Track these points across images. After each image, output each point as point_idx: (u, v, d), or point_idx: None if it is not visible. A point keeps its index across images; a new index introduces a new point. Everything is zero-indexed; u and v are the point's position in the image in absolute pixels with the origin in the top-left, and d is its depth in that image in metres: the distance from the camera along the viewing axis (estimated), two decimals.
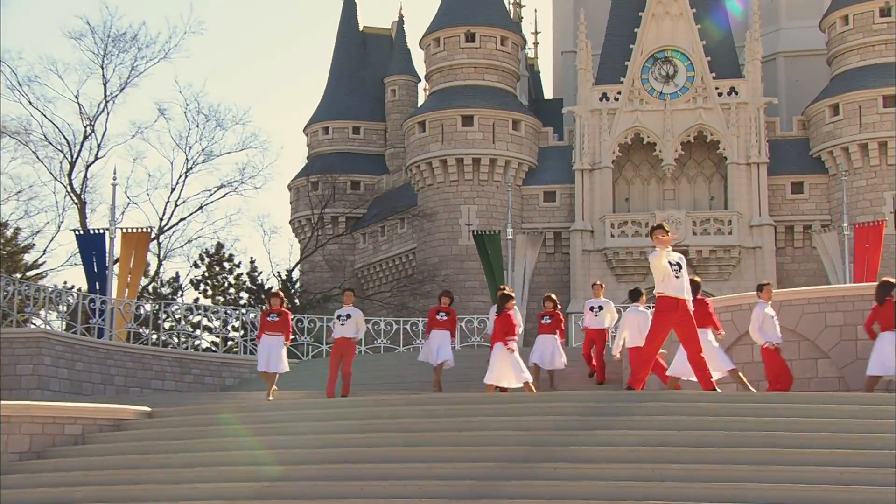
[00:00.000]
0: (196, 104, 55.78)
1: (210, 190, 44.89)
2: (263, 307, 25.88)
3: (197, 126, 47.07)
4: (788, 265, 40.01)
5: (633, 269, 39.27)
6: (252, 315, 26.05)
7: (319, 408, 10.76)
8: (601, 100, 40.49)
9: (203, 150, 44.77)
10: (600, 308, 16.06)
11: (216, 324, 29.44)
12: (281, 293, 14.93)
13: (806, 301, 14.47)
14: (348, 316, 15.03)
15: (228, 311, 26.60)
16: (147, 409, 11.92)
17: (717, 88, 40.02)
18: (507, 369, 12.83)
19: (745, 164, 39.62)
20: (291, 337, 15.22)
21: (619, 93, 40.34)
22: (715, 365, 11.22)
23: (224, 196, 44.76)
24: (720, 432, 9.04)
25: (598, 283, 16.62)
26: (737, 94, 40.02)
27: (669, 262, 10.91)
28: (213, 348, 33.92)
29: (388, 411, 10.22)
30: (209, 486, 9.18)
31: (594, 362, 15.81)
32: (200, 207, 43.97)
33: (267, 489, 8.88)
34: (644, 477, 8.36)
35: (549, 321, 15.48)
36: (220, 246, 43.81)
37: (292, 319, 25.95)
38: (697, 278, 12.30)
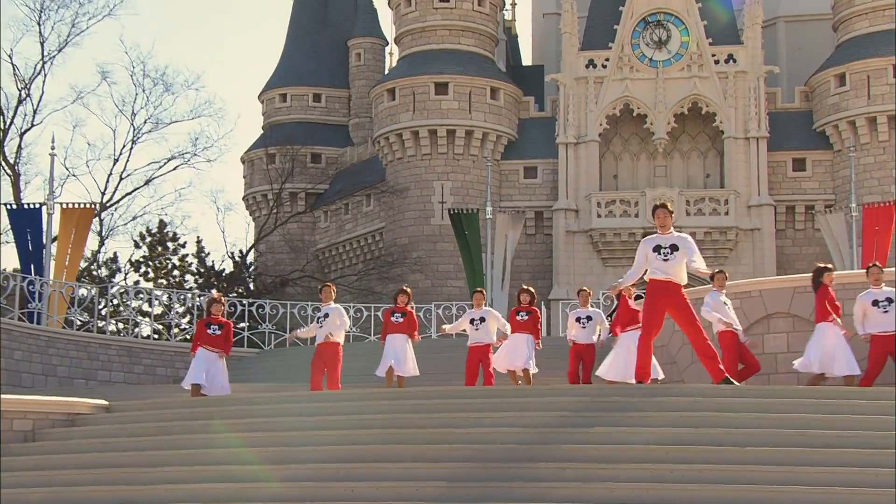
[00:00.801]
0: (142, 67, 55.31)
1: (158, 162, 44.50)
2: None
3: (143, 91, 46.67)
4: (789, 249, 40.28)
5: (621, 253, 39.30)
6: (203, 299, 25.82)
7: (304, 402, 10.67)
8: (587, 67, 40.52)
9: (150, 118, 44.41)
10: (589, 319, 15.03)
11: (159, 310, 29.19)
12: (223, 299, 14.13)
13: None
14: (326, 315, 14.12)
15: (184, 297, 26.36)
16: (104, 402, 11.77)
17: (713, 55, 40.15)
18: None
19: (743, 139, 39.81)
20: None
21: (607, 59, 40.36)
22: (840, 364, 11.82)
23: (174, 169, 44.52)
24: (741, 430, 9.07)
25: (586, 289, 15.48)
26: (735, 61, 40.18)
27: (659, 246, 11.00)
28: (157, 336, 33.64)
29: (377, 406, 10.16)
30: (178, 486, 9.08)
31: (581, 382, 14.60)
32: (148, 181, 43.65)
33: (245, 490, 8.79)
34: (662, 478, 8.36)
35: (525, 318, 14.62)
36: (162, 224, 43.50)
37: (251, 307, 26.04)
38: (829, 265, 12.66)
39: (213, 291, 13.96)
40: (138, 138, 43.81)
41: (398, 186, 41.17)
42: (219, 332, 13.44)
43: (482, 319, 14.73)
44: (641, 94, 40.10)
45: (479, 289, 15.53)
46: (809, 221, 40.21)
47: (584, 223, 39.72)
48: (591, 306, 15.30)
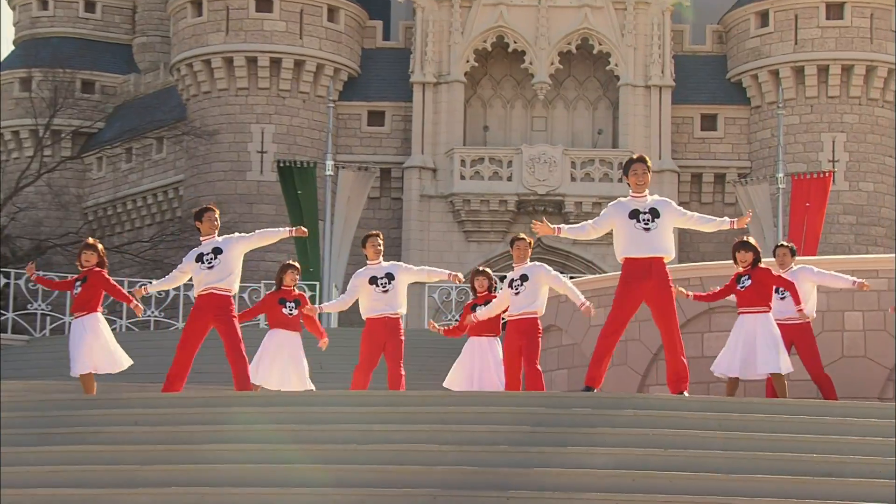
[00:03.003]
0: None
1: None
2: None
3: None
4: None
5: (489, 225, 39.81)
6: None
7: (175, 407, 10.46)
8: None
9: None
10: (524, 279, 12.61)
11: None
12: (98, 244, 13.04)
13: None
14: (217, 252, 12.20)
15: None
16: None
17: None
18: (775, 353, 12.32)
19: (642, 87, 40.69)
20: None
21: None
22: None
23: None
24: (721, 453, 9.29)
25: (523, 236, 12.86)
26: None
27: (637, 211, 11.22)
28: None
29: (267, 415, 10.09)
30: None
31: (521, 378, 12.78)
32: None
33: None
34: None
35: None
36: None
37: (17, 280, 25.30)
38: None
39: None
40: None
41: (203, 129, 40.56)
42: (81, 290, 12.68)
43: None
44: (519, 24, 40.50)
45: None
46: (719, 193, 41.47)
47: (444, 186, 39.94)
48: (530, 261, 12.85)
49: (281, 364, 13.32)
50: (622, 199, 11.58)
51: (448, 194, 39.81)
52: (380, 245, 13.01)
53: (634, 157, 11.52)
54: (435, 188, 40.14)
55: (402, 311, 12.86)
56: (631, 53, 40.68)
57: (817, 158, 40.06)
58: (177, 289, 26.90)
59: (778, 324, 12.75)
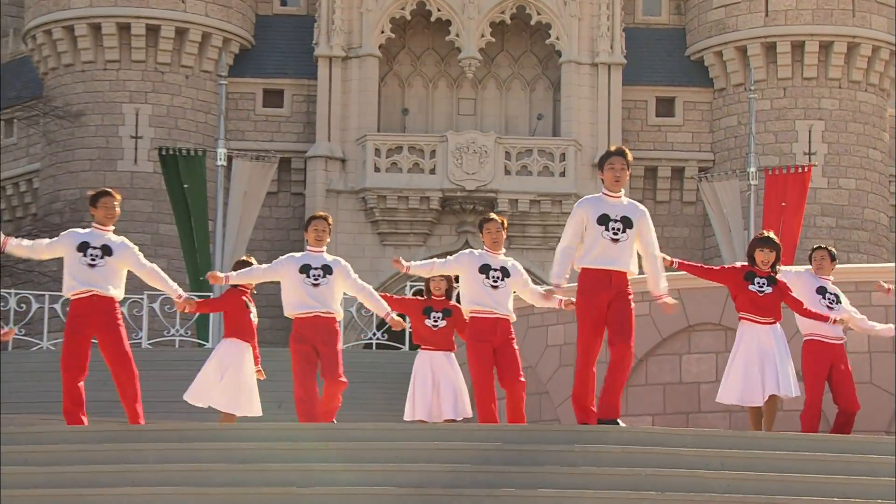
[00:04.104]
0: None
1: None
2: None
3: None
4: None
5: (408, 226, 39.81)
6: None
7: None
8: None
9: None
10: (505, 274, 12.34)
11: None
12: None
13: None
14: (106, 251, 11.74)
15: None
16: None
17: None
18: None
19: (588, 65, 40.87)
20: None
21: None
22: None
23: None
24: (726, 497, 9.41)
25: (494, 216, 12.80)
26: None
27: (607, 217, 11.27)
28: None
29: (179, 452, 10.00)
30: None
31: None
32: None
33: None
34: None
35: (443, 322, 13.11)
36: None
37: None
38: None
39: None
40: None
41: (65, 109, 40.22)
42: None
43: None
44: None
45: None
46: (677, 190, 41.77)
47: (355, 179, 39.94)
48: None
49: (235, 381, 13.51)
50: (591, 196, 11.64)
51: (359, 189, 39.77)
52: (325, 231, 13.00)
53: (612, 149, 11.65)
54: (344, 182, 40.08)
55: (340, 314, 12.83)
56: (575, 25, 40.82)
57: (791, 150, 40.44)
58: (41, 302, 26.68)
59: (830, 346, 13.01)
